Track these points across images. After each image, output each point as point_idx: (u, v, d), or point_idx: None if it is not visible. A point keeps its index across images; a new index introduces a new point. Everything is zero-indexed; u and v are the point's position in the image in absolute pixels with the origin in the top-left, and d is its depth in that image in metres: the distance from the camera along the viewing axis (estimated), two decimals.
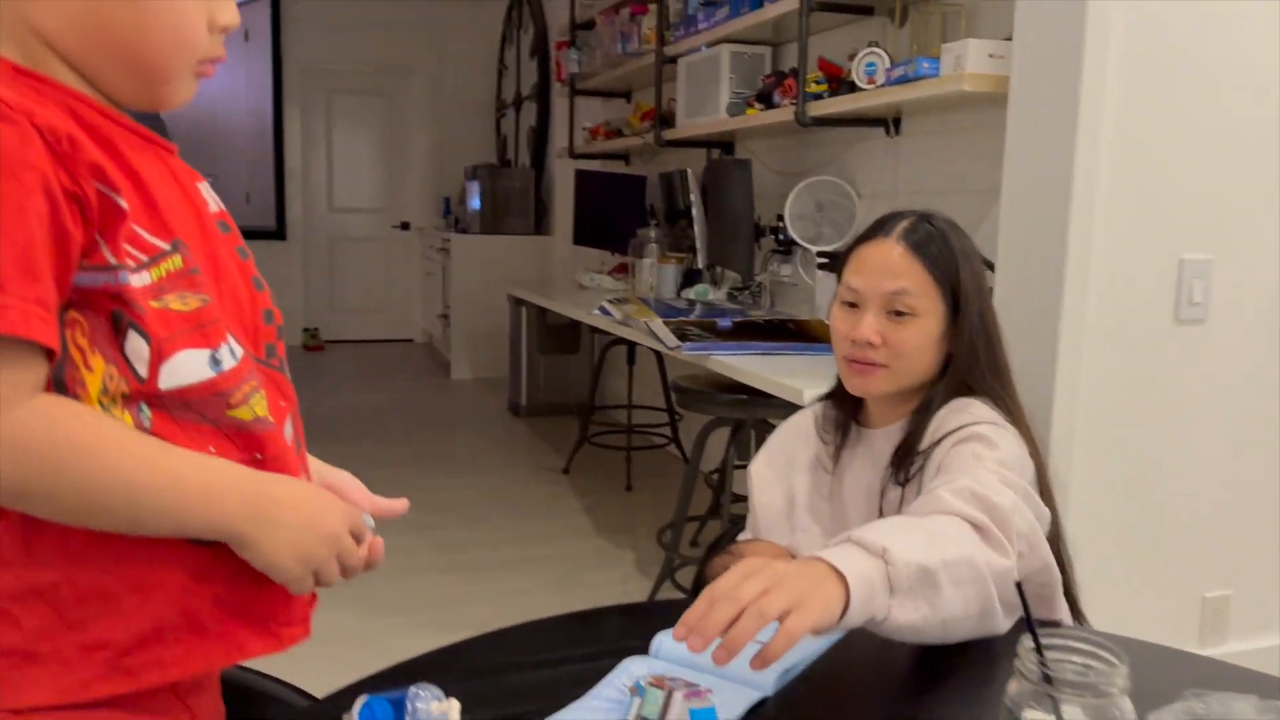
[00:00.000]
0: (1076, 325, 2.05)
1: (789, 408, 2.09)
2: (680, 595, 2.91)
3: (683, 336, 2.76)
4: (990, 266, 2.02)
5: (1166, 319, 2.10)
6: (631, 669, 1.00)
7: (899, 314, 1.28)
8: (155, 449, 0.67)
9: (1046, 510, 1.20)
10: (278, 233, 7.43)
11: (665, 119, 4.14)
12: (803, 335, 2.75)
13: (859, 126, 3.05)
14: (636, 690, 0.96)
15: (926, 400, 1.30)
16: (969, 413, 1.26)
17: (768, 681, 0.96)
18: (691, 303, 3.58)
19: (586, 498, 4.06)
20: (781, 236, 3.25)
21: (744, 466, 3.16)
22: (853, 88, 2.72)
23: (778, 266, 3.47)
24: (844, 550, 0.94)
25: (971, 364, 1.30)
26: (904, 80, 2.49)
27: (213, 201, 0.84)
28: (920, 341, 1.28)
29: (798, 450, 1.43)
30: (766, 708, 0.95)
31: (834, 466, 1.39)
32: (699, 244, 3.81)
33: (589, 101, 5.41)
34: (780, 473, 1.44)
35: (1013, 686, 0.78)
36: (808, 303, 3.31)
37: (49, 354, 0.65)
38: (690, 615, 0.89)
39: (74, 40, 0.74)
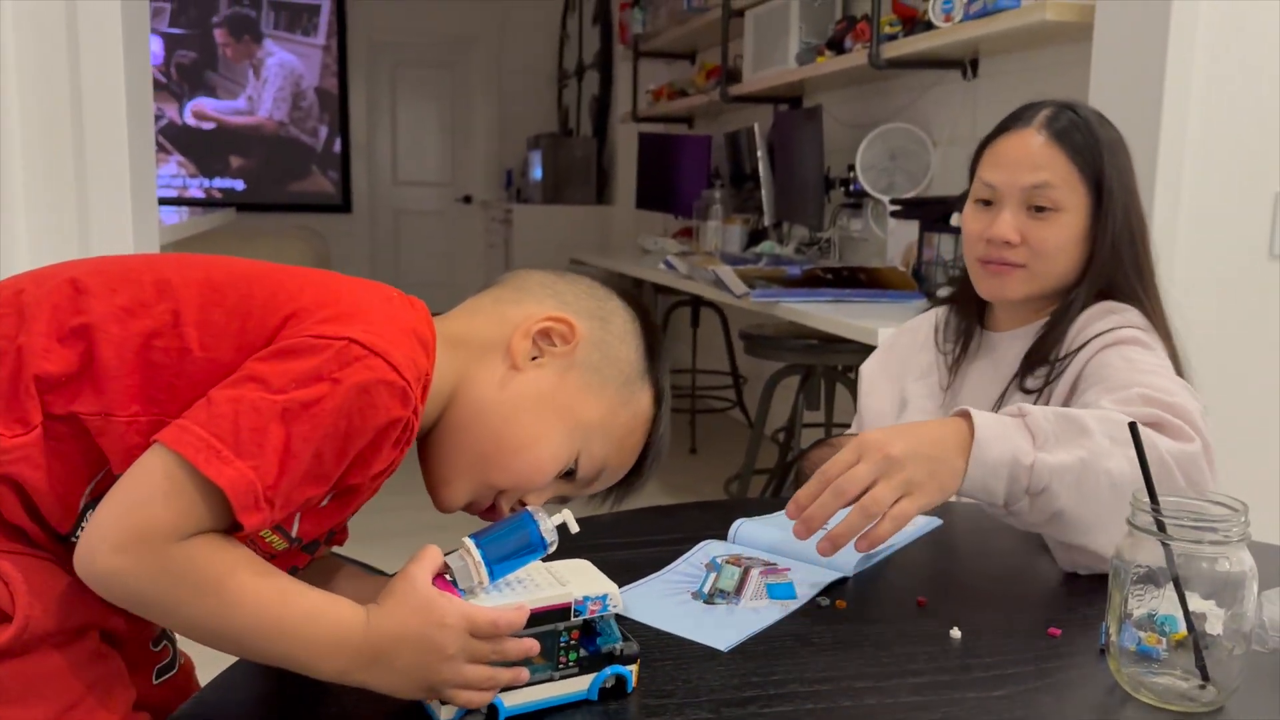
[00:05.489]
0: (1166, 265, 1.96)
1: (862, 352, 2.04)
2: None
3: (750, 285, 2.71)
4: None
5: (1261, 255, 2.01)
6: (709, 549, 0.98)
7: (1040, 209, 1.19)
8: (277, 602, 0.67)
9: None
10: (343, 205, 7.52)
11: (731, 75, 4.09)
12: (875, 283, 2.69)
13: (935, 69, 2.97)
14: (713, 566, 0.94)
15: (1067, 303, 1.20)
16: (1118, 317, 1.16)
17: (849, 563, 0.93)
18: (759, 256, 3.53)
19: None
20: (852, 188, 3.19)
21: (811, 424, 3.13)
22: (929, 26, 2.65)
23: (847, 221, 3.41)
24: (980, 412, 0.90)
25: (1115, 266, 1.20)
26: (983, 14, 2.42)
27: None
28: (1062, 240, 1.19)
29: (912, 356, 1.36)
30: (846, 588, 0.92)
31: (950, 379, 1.30)
32: (765, 202, 3.75)
33: (653, 64, 5.37)
34: (893, 377, 1.37)
35: (1124, 542, 0.73)
36: (879, 257, 3.24)
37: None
38: (803, 495, 0.86)
39: (467, 405, 0.79)
